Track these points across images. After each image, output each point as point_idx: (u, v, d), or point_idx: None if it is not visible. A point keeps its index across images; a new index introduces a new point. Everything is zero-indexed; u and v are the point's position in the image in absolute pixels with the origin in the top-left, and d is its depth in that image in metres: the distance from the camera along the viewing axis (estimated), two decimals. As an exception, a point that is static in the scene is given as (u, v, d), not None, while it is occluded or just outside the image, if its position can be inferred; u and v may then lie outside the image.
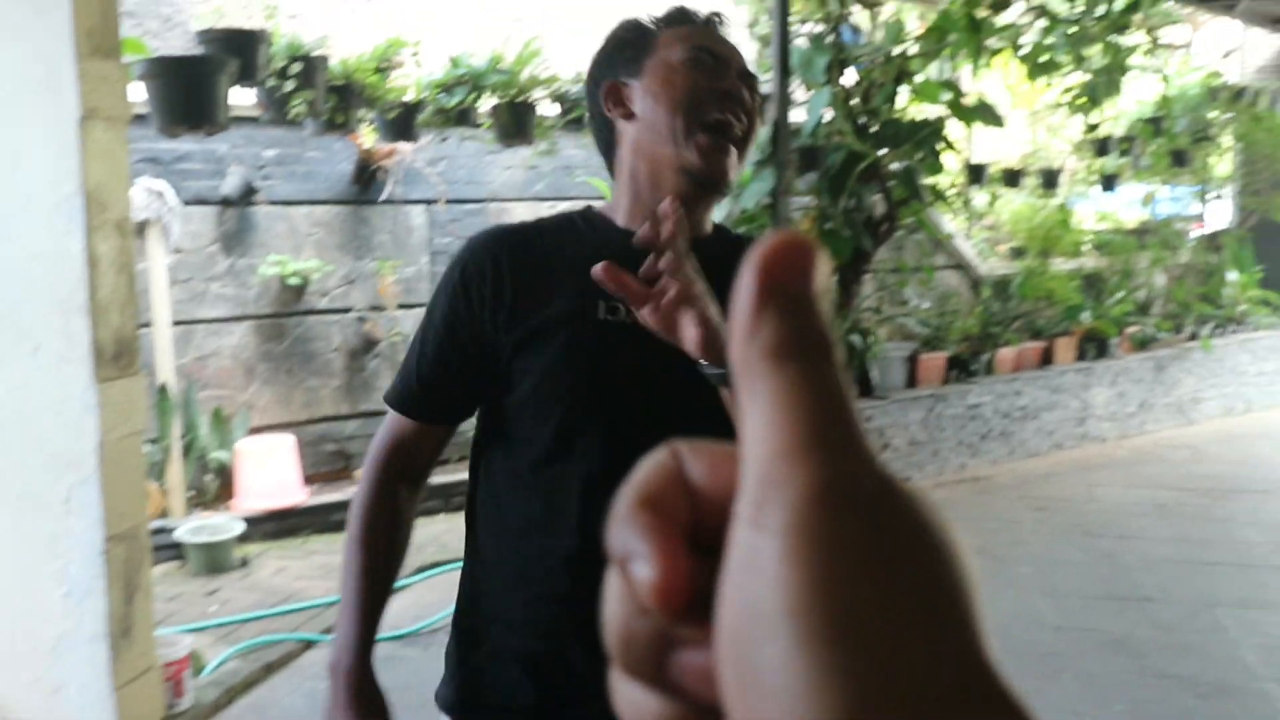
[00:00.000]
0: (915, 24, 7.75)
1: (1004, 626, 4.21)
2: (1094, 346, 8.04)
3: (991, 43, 6.80)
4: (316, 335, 6.13)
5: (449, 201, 6.50)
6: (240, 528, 5.13)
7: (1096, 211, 9.35)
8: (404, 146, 6.10)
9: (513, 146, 5.96)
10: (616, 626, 0.27)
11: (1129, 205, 9.25)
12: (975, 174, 8.14)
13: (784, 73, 5.24)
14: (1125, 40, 7.54)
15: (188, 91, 4.20)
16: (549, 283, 1.42)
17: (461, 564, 1.57)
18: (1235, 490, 6.60)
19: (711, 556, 0.26)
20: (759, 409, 0.25)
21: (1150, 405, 8.27)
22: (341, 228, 6.22)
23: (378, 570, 1.53)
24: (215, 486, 5.58)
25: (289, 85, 4.92)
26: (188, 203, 5.61)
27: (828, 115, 6.31)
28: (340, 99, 5.27)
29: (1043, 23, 7.13)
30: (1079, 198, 9.03)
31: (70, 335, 2.53)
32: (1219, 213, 9.69)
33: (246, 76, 4.64)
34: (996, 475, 6.96)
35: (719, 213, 1.88)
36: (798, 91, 6.24)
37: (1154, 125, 8.67)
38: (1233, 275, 9.21)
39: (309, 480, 5.81)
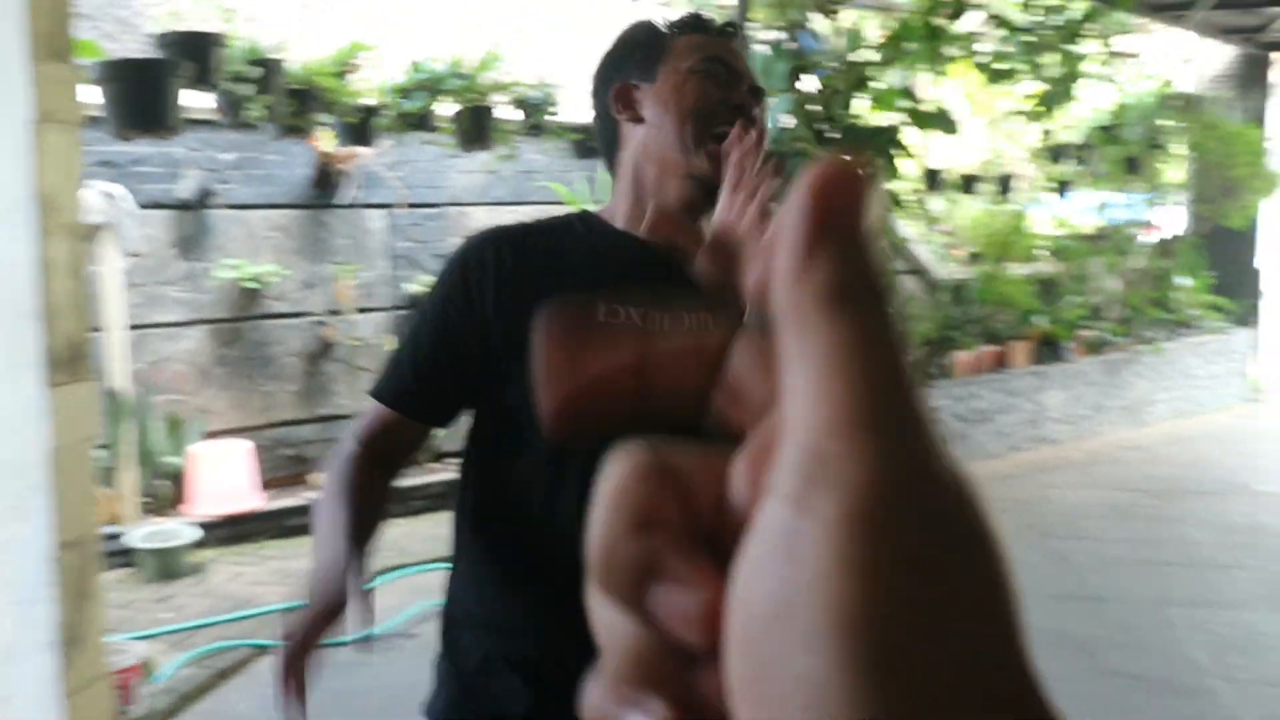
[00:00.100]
0: (874, 32, 7.82)
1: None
2: (1049, 350, 8.14)
3: (949, 51, 6.87)
4: (273, 339, 6.09)
5: (409, 206, 6.49)
6: (194, 533, 5.09)
7: (1052, 217, 9.46)
8: (363, 150, 6.08)
9: (473, 151, 5.96)
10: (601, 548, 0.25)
11: (1083, 211, 9.37)
12: (933, 180, 8.22)
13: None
14: (1080, 49, 7.64)
15: (141, 94, 4.18)
16: (550, 283, 1.39)
17: (447, 567, 1.53)
18: (1185, 491, 6.70)
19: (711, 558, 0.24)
20: (810, 364, 0.23)
21: (1103, 408, 8.38)
22: (300, 232, 6.19)
23: (361, 521, 1.40)
24: (169, 492, 5.53)
25: (246, 89, 4.90)
26: (144, 206, 5.56)
27: (788, 122, 6.35)
28: (299, 103, 5.25)
29: (1000, 31, 7.22)
30: (1034, 204, 9.13)
31: (20, 340, 2.51)
32: (1171, 219, 9.83)
33: (203, 80, 4.61)
34: (953, 478, 7.01)
35: None
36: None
37: (1108, 133, 8.78)
38: (1184, 280, 9.35)
39: (265, 485, 5.77)
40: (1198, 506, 6.36)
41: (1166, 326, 9.06)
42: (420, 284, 6.40)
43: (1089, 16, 7.47)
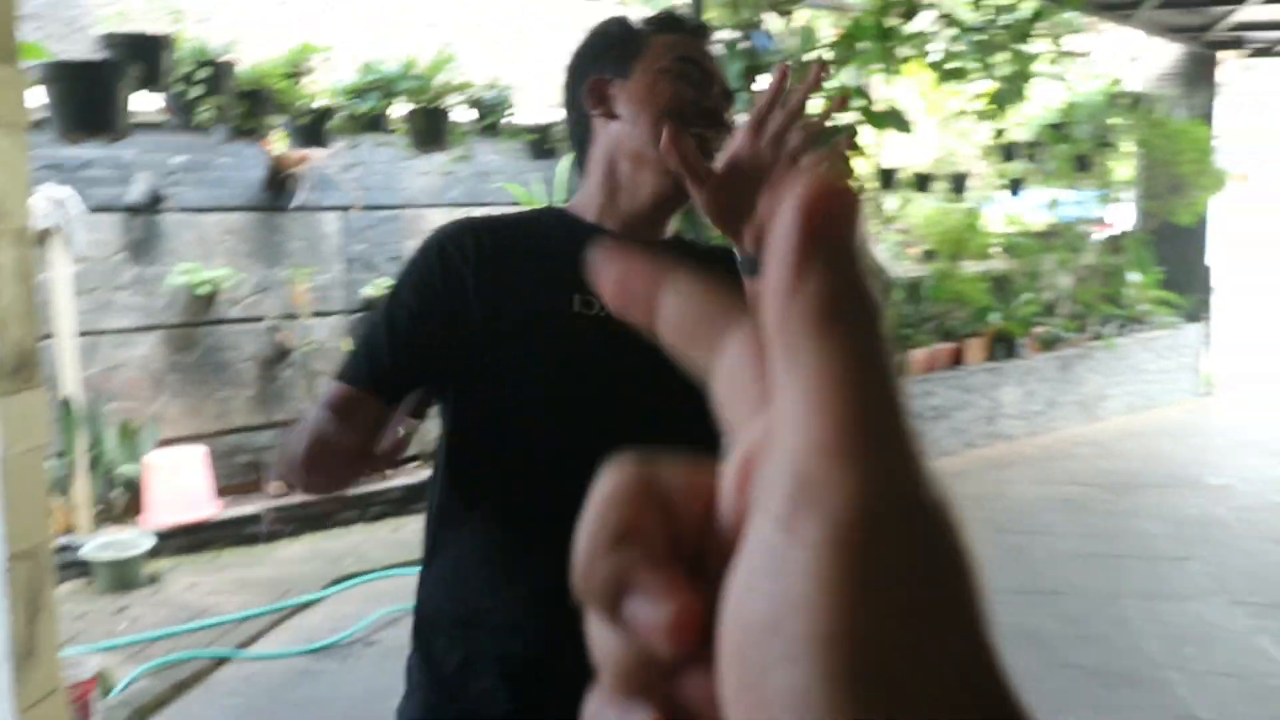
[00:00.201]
0: (828, 31, 7.86)
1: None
2: (1003, 347, 8.21)
3: (901, 50, 6.92)
4: (228, 345, 6.03)
5: (363, 208, 6.44)
6: (149, 543, 5.03)
7: (1004, 215, 9.55)
8: (316, 153, 6.03)
9: (428, 153, 5.93)
10: (586, 567, 0.25)
11: (1035, 209, 9.47)
12: (887, 179, 8.27)
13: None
14: (1030, 48, 7.72)
15: (88, 97, 4.12)
16: (528, 273, 1.39)
17: (419, 570, 1.50)
18: (1139, 485, 6.79)
19: (693, 572, 0.25)
20: (800, 383, 0.23)
21: (1058, 403, 8.47)
22: (253, 235, 6.13)
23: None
24: (124, 501, 5.46)
25: (196, 91, 4.85)
26: (93, 210, 5.49)
27: (743, 122, 6.37)
28: (250, 105, 5.19)
29: (951, 31, 7.28)
30: (987, 202, 9.22)
31: (-32, 348, 2.46)
32: (1122, 216, 9.96)
33: (151, 82, 4.55)
34: (910, 475, 7.07)
35: None
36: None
37: (1058, 131, 8.88)
38: (1134, 276, 9.48)
39: (221, 493, 5.71)
40: (1151, 500, 6.45)
41: (1118, 322, 9.18)
42: (376, 286, 6.36)
43: (1038, 15, 7.56)
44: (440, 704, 1.42)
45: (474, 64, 6.03)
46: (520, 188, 6.72)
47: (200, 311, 5.91)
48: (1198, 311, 9.79)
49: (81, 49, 5.33)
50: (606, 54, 1.49)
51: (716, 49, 1.58)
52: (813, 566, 0.21)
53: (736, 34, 6.36)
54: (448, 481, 1.46)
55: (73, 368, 5.23)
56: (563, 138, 6.61)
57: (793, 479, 0.22)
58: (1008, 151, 8.70)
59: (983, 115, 8.03)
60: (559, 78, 1.56)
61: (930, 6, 7.15)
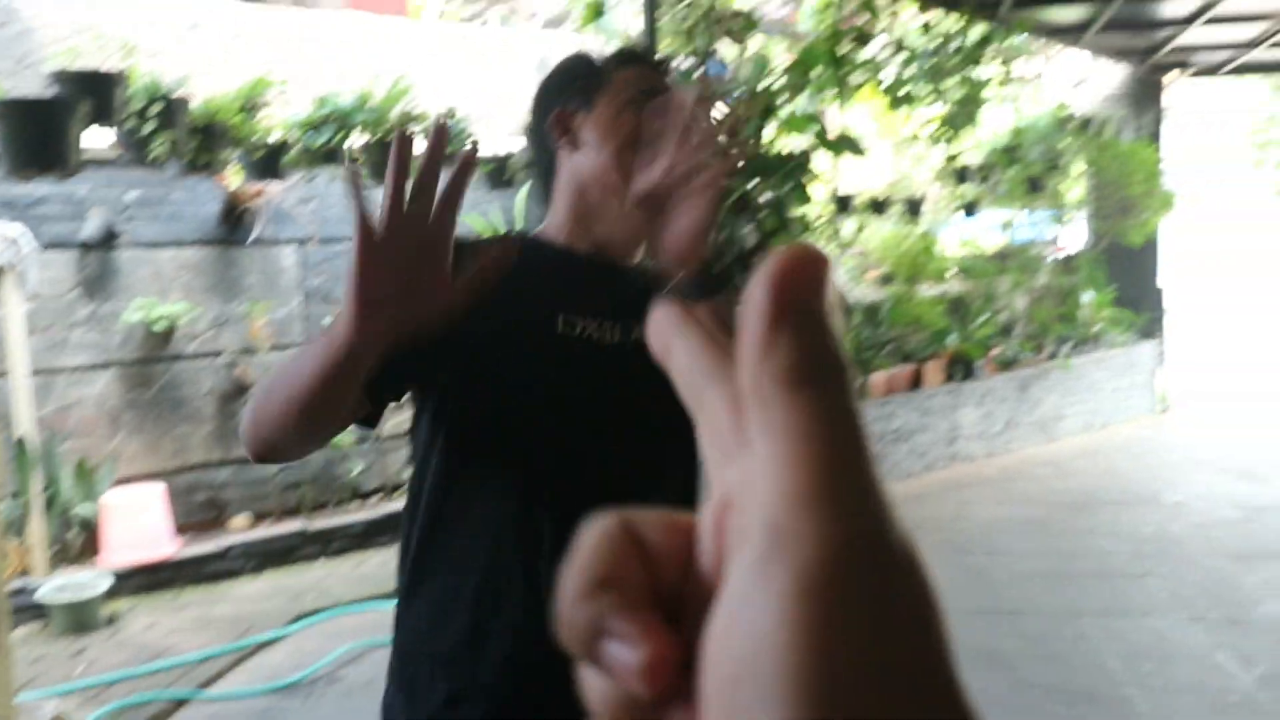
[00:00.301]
0: (781, 58, 7.94)
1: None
2: (961, 368, 8.28)
3: (854, 76, 7.00)
4: (186, 381, 5.98)
5: (321, 241, 6.42)
6: (107, 583, 4.96)
7: (959, 238, 9.66)
8: (272, 186, 6.01)
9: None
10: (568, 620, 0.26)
11: (989, 231, 9.58)
12: (843, 204, 8.35)
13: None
14: (980, 73, 7.84)
15: (38, 134, 4.09)
16: (507, 293, 1.33)
17: (395, 605, 1.47)
18: (1096, 503, 6.86)
19: (673, 617, 0.26)
20: (772, 439, 0.24)
21: (1016, 424, 8.55)
22: (209, 270, 6.09)
23: None
24: (80, 541, 5.39)
25: (149, 126, 4.83)
26: (46, 247, 5.44)
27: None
28: (203, 140, 5.18)
29: (902, 57, 7.38)
30: (942, 225, 9.31)
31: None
32: (1074, 237, 10.10)
33: (103, 118, 4.54)
34: (872, 497, 7.10)
35: None
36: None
37: (1009, 154, 9.01)
38: (1087, 296, 9.60)
39: (180, 531, 5.65)
40: (1108, 518, 6.51)
41: (1073, 342, 9.29)
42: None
43: (986, 40, 7.68)
44: None
45: (430, 96, 6.04)
46: (479, 218, 6.72)
47: (157, 348, 5.86)
48: (1151, 330, 9.93)
49: (32, 86, 5.30)
50: (571, 87, 1.53)
51: (672, 79, 1.62)
52: (784, 613, 0.22)
53: (691, 62, 6.42)
54: (430, 511, 1.43)
55: (27, 407, 5.17)
56: (521, 168, 6.63)
57: (766, 529, 0.23)
58: (961, 175, 8.81)
59: (935, 139, 8.14)
60: (517, 108, 1.59)
61: (882, 33, 7.25)
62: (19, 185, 5.03)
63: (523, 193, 6.75)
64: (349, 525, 5.97)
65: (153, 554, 5.35)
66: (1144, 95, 10.19)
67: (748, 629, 0.23)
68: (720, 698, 0.23)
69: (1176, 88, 10.66)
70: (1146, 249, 9.78)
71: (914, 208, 8.84)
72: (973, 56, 7.68)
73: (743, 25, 6.40)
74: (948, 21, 7.57)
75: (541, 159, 1.56)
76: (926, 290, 8.60)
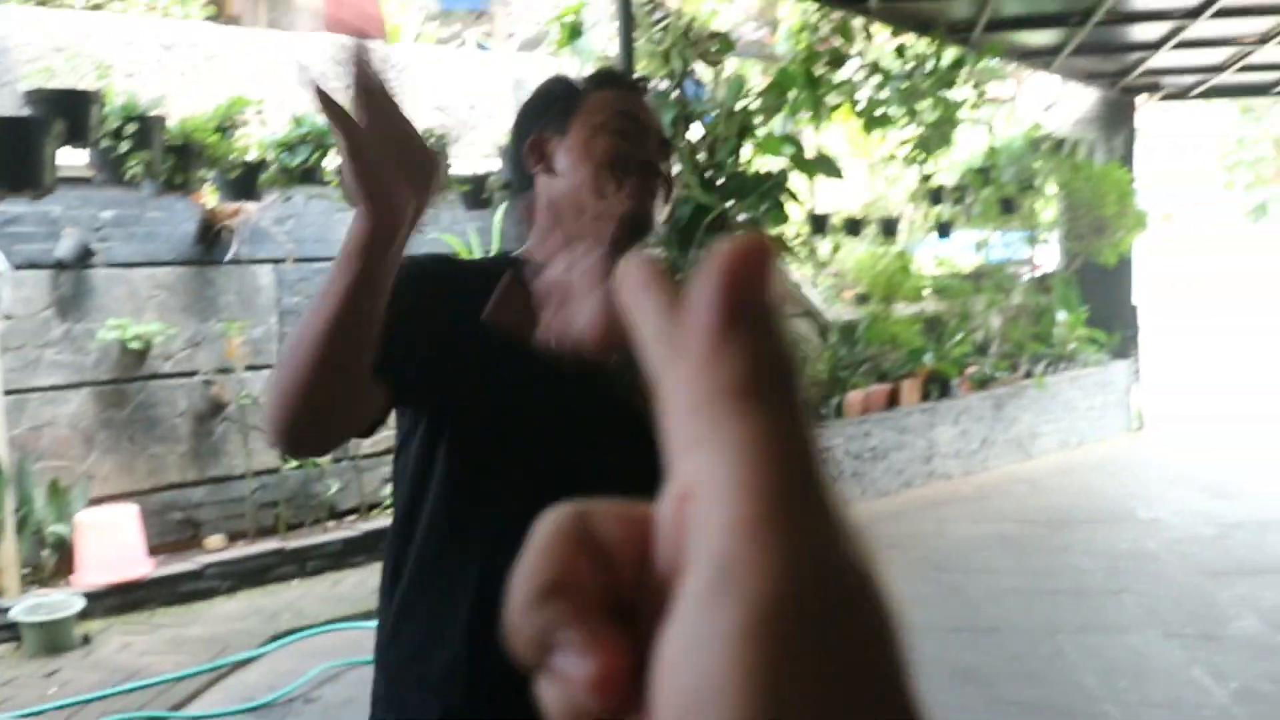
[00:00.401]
0: (757, 80, 7.99)
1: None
2: (937, 387, 8.32)
3: (830, 98, 7.07)
4: (161, 400, 5.95)
5: (297, 260, 6.41)
6: (80, 604, 4.91)
7: (934, 257, 9.73)
8: (249, 206, 6.00)
9: (361, 204, 5.92)
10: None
11: (964, 251, 9.65)
12: (818, 224, 8.40)
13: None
14: (954, 95, 7.92)
15: (13, 153, 4.08)
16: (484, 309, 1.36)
17: (378, 628, 1.46)
18: (1072, 520, 6.90)
19: (630, 621, 0.25)
20: (722, 458, 0.23)
21: (992, 442, 8.60)
22: (185, 289, 6.07)
23: None
24: (54, 562, 5.34)
25: (124, 145, 4.82)
26: (19, 267, 5.41)
27: (674, 169, 6.44)
28: (179, 159, 5.17)
29: (877, 79, 7.45)
30: (917, 245, 9.38)
31: (-109, 409, 2.42)
32: (1049, 257, 10.19)
33: (78, 137, 4.53)
34: (849, 516, 7.12)
35: None
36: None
37: (983, 175, 9.09)
38: (1061, 315, 9.68)
39: (155, 551, 5.61)
40: (1085, 535, 6.55)
41: (1048, 361, 9.36)
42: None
43: (959, 63, 7.76)
44: None
45: (410, 115, 6.05)
46: (456, 239, 6.73)
47: (131, 367, 5.83)
48: (1125, 349, 10.01)
49: (7, 105, 5.29)
50: (546, 112, 1.54)
51: (649, 99, 1.64)
52: (732, 651, 0.21)
53: (668, 83, 6.46)
54: (425, 528, 1.42)
55: (0, 426, 5.13)
56: (498, 188, 6.64)
57: (714, 558, 0.22)
58: (935, 195, 8.88)
59: (910, 160, 8.22)
60: (494, 129, 1.60)
61: (857, 55, 7.31)
62: (-7, 204, 5.00)
63: (500, 213, 6.76)
64: (325, 544, 5.94)
65: (127, 574, 5.30)
66: (1115, 118, 10.31)
67: (696, 664, 0.22)
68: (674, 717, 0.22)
69: (1147, 111, 10.79)
70: (1120, 268, 9.87)
71: (889, 228, 8.90)
72: (946, 79, 7.77)
73: (720, 47, 6.45)
74: (920, 45, 7.65)
75: (520, 183, 1.56)
76: (902, 309, 8.66)
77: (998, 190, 9.16)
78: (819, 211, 8.46)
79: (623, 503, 0.27)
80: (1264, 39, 8.12)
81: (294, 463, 6.15)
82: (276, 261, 6.36)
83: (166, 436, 5.96)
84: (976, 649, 4.73)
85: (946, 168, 9.01)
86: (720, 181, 6.60)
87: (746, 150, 6.76)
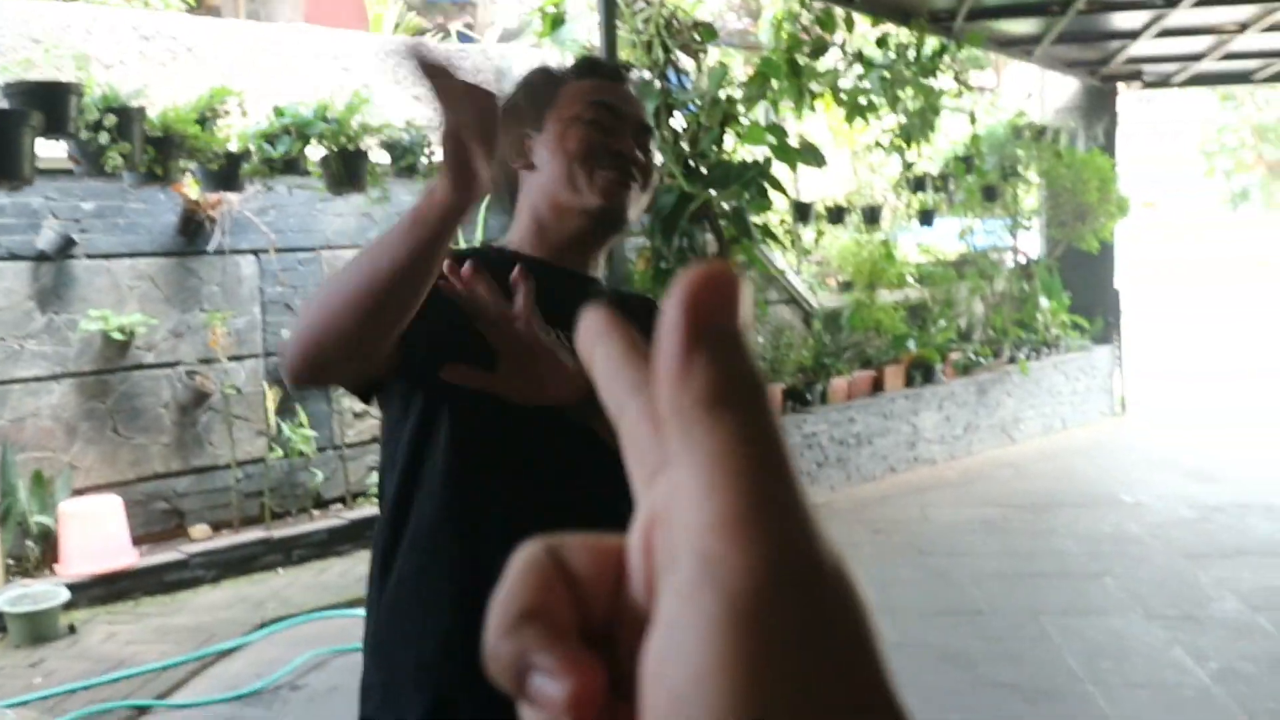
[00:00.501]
0: (740, 69, 8.00)
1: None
2: (921, 373, 8.36)
3: (812, 87, 7.08)
4: (144, 391, 5.93)
5: (280, 250, 6.40)
6: (65, 594, 4.91)
7: (917, 245, 9.76)
8: (231, 196, 5.98)
9: (344, 194, 5.91)
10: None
11: (947, 238, 9.68)
12: (802, 212, 8.42)
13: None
14: (936, 84, 7.94)
15: (-11, 145, 4.06)
16: None
17: (367, 610, 1.46)
18: (1055, 504, 6.94)
19: (603, 644, 0.26)
20: (695, 464, 0.24)
21: (975, 427, 8.64)
22: (167, 280, 6.05)
23: None
24: (38, 552, 5.33)
25: (104, 137, 4.79)
26: (0, 258, 5.39)
27: (658, 158, 6.45)
28: (159, 150, 5.14)
29: (859, 68, 7.46)
30: (900, 232, 9.41)
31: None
32: (1031, 243, 10.23)
33: (58, 128, 4.51)
34: (834, 501, 7.16)
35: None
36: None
37: (965, 163, 9.12)
38: (1044, 301, 9.72)
39: (139, 541, 5.60)
40: (1067, 519, 6.59)
41: (1030, 346, 9.41)
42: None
43: (941, 52, 7.78)
44: None
45: (389, 107, 6.04)
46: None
47: (114, 358, 5.81)
48: (1107, 335, 10.07)
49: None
50: (525, 107, 1.53)
51: (633, 84, 1.63)
52: (713, 642, 0.22)
53: (650, 73, 6.46)
54: (418, 514, 1.43)
55: (-18, 418, 5.11)
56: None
57: (692, 556, 0.23)
58: (918, 183, 8.91)
59: (891, 148, 8.24)
60: None
61: (839, 45, 7.32)
62: (-27, 195, 4.98)
63: (483, 203, 6.75)
64: (311, 533, 5.94)
65: (112, 564, 5.29)
66: (1096, 106, 10.35)
67: (680, 661, 0.22)
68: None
69: (1128, 99, 10.83)
70: (1102, 255, 9.91)
71: (872, 215, 8.92)
72: (928, 68, 7.79)
73: (702, 36, 6.45)
74: (902, 34, 7.67)
75: (504, 179, 1.56)
76: (886, 296, 8.68)
77: (980, 178, 9.20)
78: (802, 200, 8.48)
79: (593, 536, 0.28)
80: (1243, 27, 8.16)
81: (278, 452, 6.15)
82: (259, 252, 6.35)
83: (150, 427, 5.94)
84: (960, 632, 4.76)
85: (929, 156, 9.03)
86: (704, 170, 6.61)
87: (730, 139, 6.77)
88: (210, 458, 6.09)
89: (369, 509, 6.12)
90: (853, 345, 8.32)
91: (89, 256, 5.75)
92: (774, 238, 7.57)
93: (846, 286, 8.85)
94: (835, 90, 7.40)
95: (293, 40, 7.08)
